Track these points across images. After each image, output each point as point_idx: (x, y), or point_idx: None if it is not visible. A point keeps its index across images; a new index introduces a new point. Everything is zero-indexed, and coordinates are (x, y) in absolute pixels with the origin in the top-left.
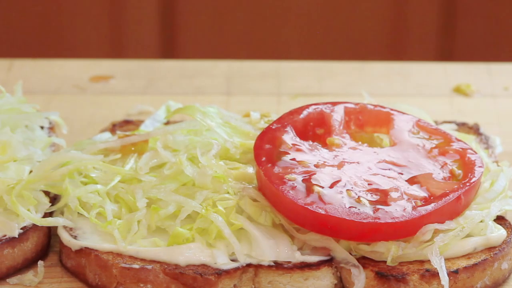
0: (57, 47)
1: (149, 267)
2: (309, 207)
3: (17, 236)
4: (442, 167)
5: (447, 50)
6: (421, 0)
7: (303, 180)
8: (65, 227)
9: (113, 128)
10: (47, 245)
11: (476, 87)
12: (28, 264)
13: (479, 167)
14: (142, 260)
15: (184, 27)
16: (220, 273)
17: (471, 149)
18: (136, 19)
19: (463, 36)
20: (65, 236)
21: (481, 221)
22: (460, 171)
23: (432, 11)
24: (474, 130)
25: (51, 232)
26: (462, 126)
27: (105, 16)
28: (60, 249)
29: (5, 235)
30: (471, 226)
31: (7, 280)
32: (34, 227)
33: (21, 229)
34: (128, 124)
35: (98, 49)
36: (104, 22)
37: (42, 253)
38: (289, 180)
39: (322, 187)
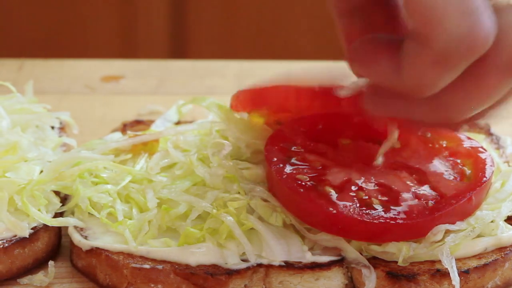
0: (68, 47)
1: (160, 267)
2: (320, 206)
3: (27, 236)
4: (453, 167)
5: None
6: None
7: (314, 180)
8: (75, 227)
9: (124, 128)
10: (57, 245)
11: None
12: (39, 264)
13: (490, 166)
14: (153, 260)
15: (195, 27)
16: (231, 273)
17: (482, 147)
18: (147, 19)
19: None
20: (75, 236)
21: (492, 221)
22: (470, 171)
23: None
24: (485, 130)
25: (61, 232)
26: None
27: (116, 16)
28: (70, 249)
29: (15, 235)
30: (482, 226)
31: (18, 280)
32: (45, 227)
33: (31, 229)
34: (138, 124)
35: (109, 49)
36: (115, 22)
37: (53, 253)
38: (300, 180)
39: (333, 187)
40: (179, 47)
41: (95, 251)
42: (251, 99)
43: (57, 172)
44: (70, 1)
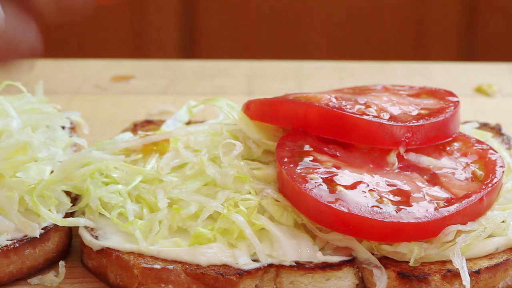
0: (78, 47)
1: (171, 267)
2: (332, 205)
3: (38, 236)
4: (464, 168)
5: (468, 50)
6: (442, 0)
7: (325, 180)
8: (86, 227)
9: (135, 128)
10: (68, 245)
11: (497, 87)
12: (49, 264)
13: (500, 167)
14: (164, 260)
15: (205, 27)
16: (242, 273)
17: (492, 149)
18: (157, 19)
19: (485, 36)
20: (86, 236)
21: (503, 222)
22: (481, 172)
23: (454, 11)
24: (496, 130)
25: (72, 232)
26: (484, 127)
27: (126, 16)
28: (81, 249)
29: (26, 235)
30: (493, 226)
31: (28, 280)
32: (55, 227)
33: (42, 229)
34: (149, 124)
35: (119, 49)
36: (125, 22)
37: (63, 253)
38: (311, 179)
39: (345, 187)
40: (189, 47)
41: (105, 251)
42: (261, 110)
43: (68, 172)
44: None
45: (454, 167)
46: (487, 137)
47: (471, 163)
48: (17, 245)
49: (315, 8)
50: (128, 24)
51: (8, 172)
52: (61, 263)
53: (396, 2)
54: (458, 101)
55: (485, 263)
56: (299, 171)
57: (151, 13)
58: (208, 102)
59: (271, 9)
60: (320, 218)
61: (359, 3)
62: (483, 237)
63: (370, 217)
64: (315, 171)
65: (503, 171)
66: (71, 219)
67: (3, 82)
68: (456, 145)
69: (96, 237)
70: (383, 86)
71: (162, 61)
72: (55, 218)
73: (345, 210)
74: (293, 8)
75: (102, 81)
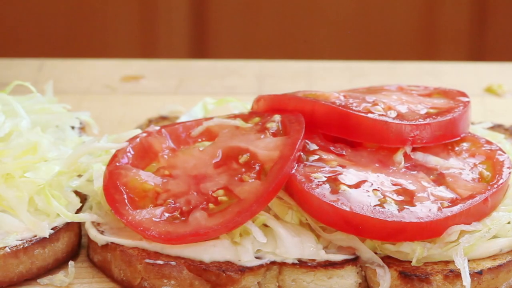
0: (88, 47)
1: (173, 263)
2: (334, 204)
3: (47, 236)
4: (471, 168)
5: (478, 50)
6: (452, 0)
7: (329, 179)
8: (93, 222)
9: (149, 124)
10: (77, 245)
11: (508, 87)
12: (59, 264)
13: (507, 168)
14: (167, 256)
15: (215, 27)
16: (244, 270)
17: (501, 150)
18: (167, 19)
19: (495, 36)
20: (92, 231)
21: (508, 223)
22: (488, 173)
23: (463, 11)
24: (510, 132)
25: (81, 232)
26: (498, 128)
27: (136, 16)
28: (87, 244)
29: (35, 236)
30: (498, 227)
31: (38, 280)
32: (65, 227)
33: (51, 229)
34: (164, 120)
35: (129, 49)
36: (135, 22)
37: (73, 254)
38: (315, 178)
39: (349, 187)
40: (199, 47)
41: (110, 246)
42: (271, 104)
43: (74, 164)
44: (90, 1)
45: (462, 167)
46: (499, 138)
47: (479, 163)
48: (26, 245)
49: (325, 8)
50: (138, 24)
51: (17, 172)
52: (71, 263)
53: (405, 2)
54: (468, 101)
55: (488, 264)
56: (303, 170)
57: (161, 13)
58: (223, 103)
59: (281, 9)
60: (323, 217)
61: (369, 3)
62: (487, 238)
63: (372, 216)
64: (320, 170)
65: (509, 172)
66: (81, 214)
67: (13, 82)
68: (465, 145)
69: (102, 232)
70: (398, 86)
71: (172, 61)
72: (66, 213)
73: (347, 209)
74: (303, 8)
75: (112, 81)
